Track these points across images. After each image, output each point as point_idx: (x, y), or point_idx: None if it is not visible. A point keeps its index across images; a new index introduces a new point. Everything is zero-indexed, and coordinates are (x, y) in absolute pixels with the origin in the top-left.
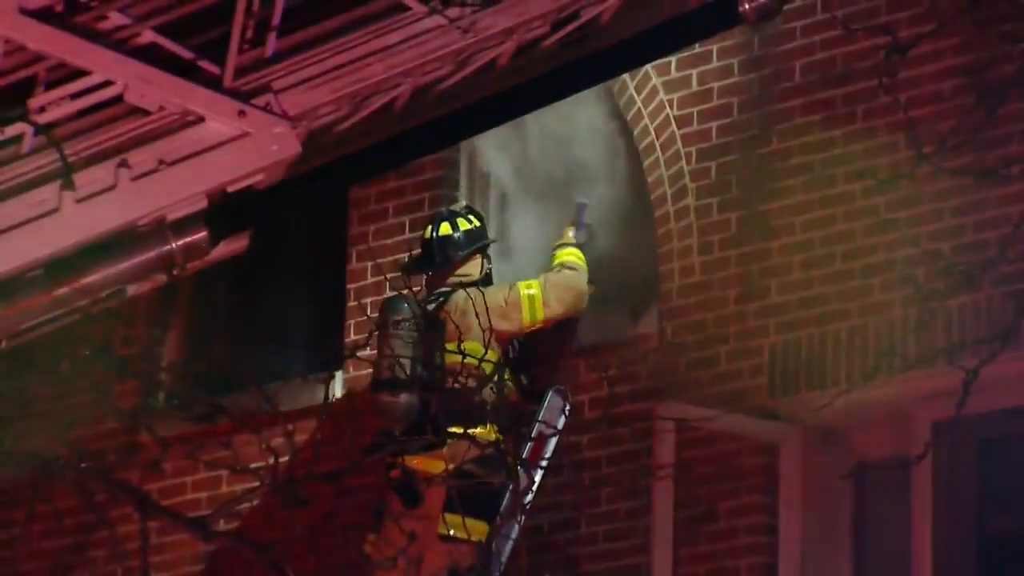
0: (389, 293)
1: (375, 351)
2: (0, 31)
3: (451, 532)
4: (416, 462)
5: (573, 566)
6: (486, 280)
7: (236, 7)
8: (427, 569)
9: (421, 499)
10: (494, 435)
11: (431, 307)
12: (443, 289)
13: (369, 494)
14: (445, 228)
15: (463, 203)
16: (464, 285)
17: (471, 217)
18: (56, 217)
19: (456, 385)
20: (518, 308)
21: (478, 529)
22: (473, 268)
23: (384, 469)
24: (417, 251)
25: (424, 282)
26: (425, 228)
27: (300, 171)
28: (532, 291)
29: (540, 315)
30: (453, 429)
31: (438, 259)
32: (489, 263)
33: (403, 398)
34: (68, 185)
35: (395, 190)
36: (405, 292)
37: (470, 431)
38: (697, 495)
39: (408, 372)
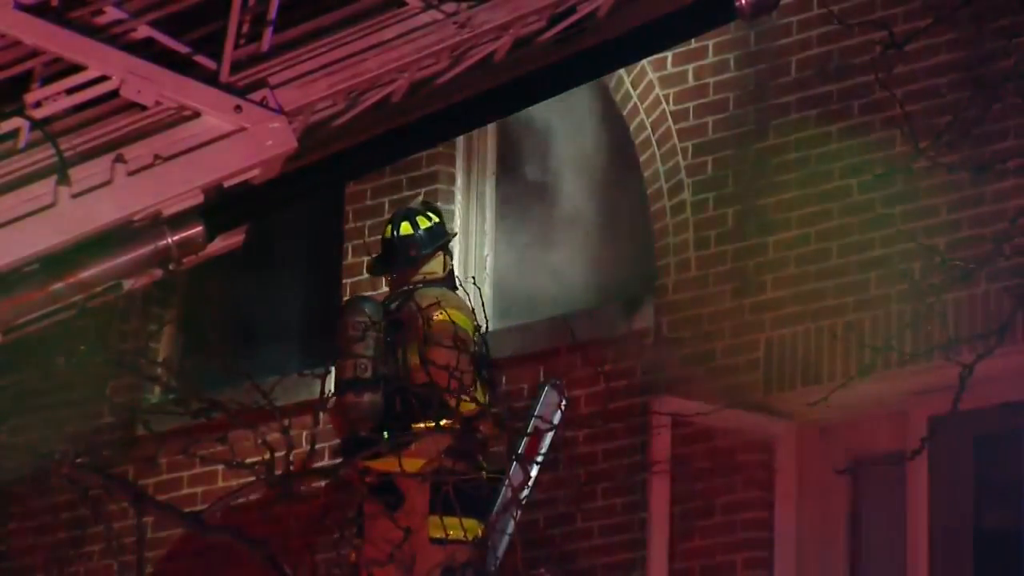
0: (385, 289)
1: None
2: None
3: (448, 534)
4: (389, 464)
5: (569, 561)
6: (450, 277)
7: (232, 2)
8: (420, 569)
9: (403, 499)
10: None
11: (393, 306)
12: (406, 288)
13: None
14: (406, 227)
15: (421, 199)
16: (428, 283)
17: (430, 214)
18: (52, 212)
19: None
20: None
21: (470, 526)
22: (436, 266)
23: (359, 475)
24: (379, 252)
25: (387, 282)
26: (385, 228)
27: (296, 166)
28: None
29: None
30: (419, 425)
31: (401, 259)
32: (451, 259)
33: (367, 398)
34: (64, 180)
35: (391, 185)
36: (367, 294)
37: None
38: (693, 490)
39: (371, 373)
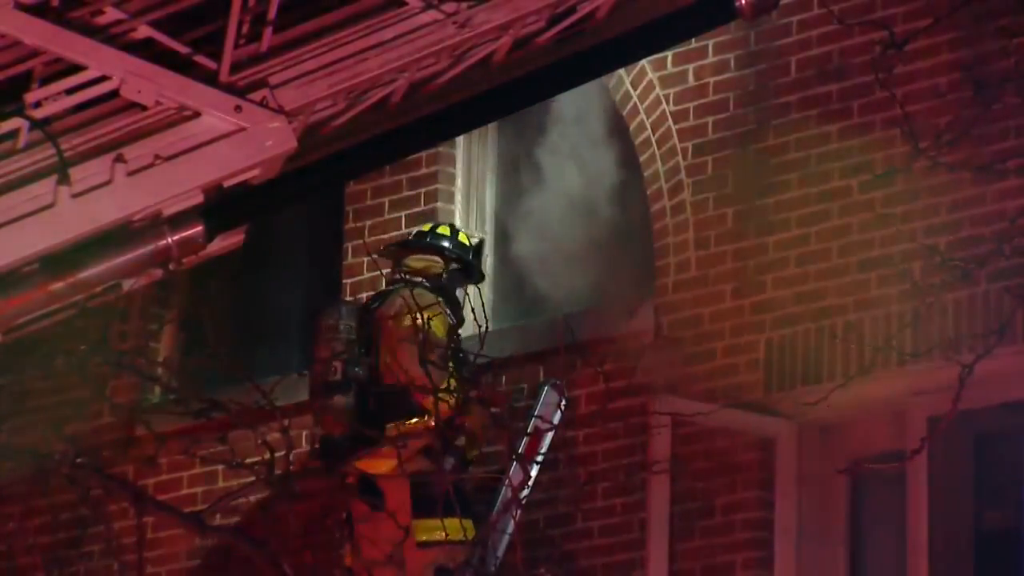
0: (384, 288)
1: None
2: None
3: (447, 535)
4: (365, 464)
5: (569, 561)
6: (443, 290)
7: (232, 2)
8: (409, 570)
9: (382, 498)
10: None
11: (374, 306)
12: (388, 288)
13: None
14: (444, 229)
15: (478, 235)
16: (409, 280)
17: (459, 232)
18: (52, 212)
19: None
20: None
21: (454, 527)
22: (418, 263)
23: (340, 478)
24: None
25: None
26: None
27: (296, 166)
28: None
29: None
30: (391, 425)
31: (411, 237)
32: (450, 270)
33: (336, 400)
34: (64, 180)
35: (391, 185)
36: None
37: (406, 423)
38: (693, 490)
39: (340, 375)
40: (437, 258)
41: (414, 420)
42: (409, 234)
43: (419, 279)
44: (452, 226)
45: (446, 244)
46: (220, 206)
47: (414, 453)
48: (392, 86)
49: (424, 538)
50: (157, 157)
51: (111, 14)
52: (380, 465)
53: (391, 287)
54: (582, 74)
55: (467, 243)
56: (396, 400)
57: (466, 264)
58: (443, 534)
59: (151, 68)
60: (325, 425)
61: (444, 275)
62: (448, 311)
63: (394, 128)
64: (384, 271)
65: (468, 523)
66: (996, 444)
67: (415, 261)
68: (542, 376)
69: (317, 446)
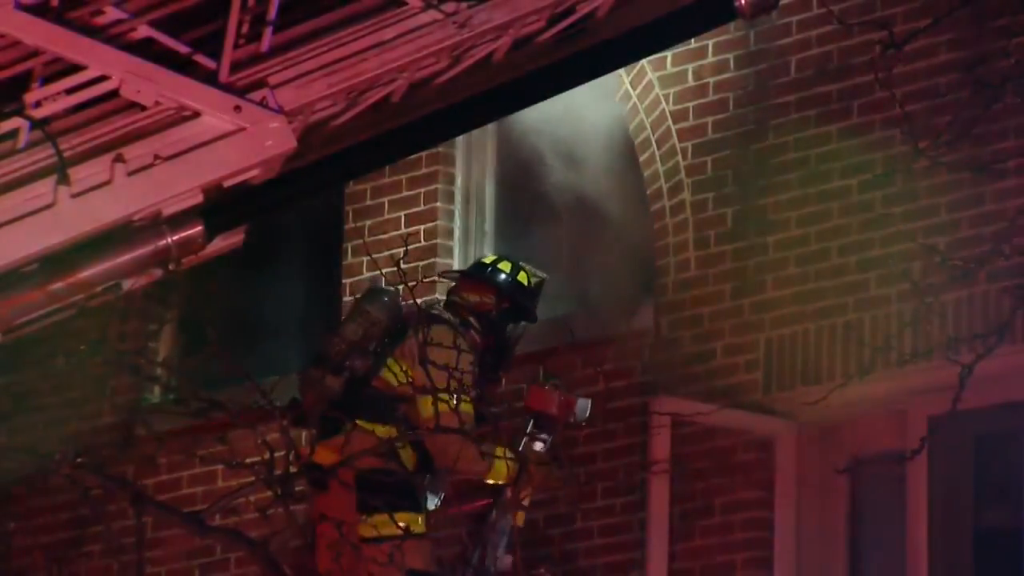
0: (434, 311)
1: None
2: None
3: (388, 530)
4: (316, 454)
5: (569, 561)
6: (493, 326)
7: (232, 2)
8: (358, 567)
9: (326, 483)
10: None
11: (412, 322)
12: (435, 313)
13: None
14: (505, 265)
15: (540, 275)
16: (456, 310)
17: (521, 271)
18: (52, 212)
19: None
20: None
21: (407, 521)
22: (472, 296)
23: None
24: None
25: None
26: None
27: (296, 166)
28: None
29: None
30: (359, 422)
31: (472, 268)
32: (496, 314)
33: (324, 377)
34: (64, 180)
35: (391, 185)
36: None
37: (367, 425)
38: (693, 490)
39: (342, 357)
40: (491, 294)
41: (378, 426)
42: (480, 264)
43: (464, 305)
44: (516, 263)
45: (503, 280)
46: (220, 206)
47: (361, 451)
48: (392, 86)
49: (368, 535)
50: (157, 157)
51: (111, 14)
52: (325, 455)
53: (438, 313)
54: (582, 74)
55: (525, 283)
56: (373, 402)
57: (516, 304)
58: (376, 532)
59: (151, 68)
60: (303, 390)
61: (494, 312)
62: (466, 348)
63: (394, 128)
64: (384, 270)
65: (413, 517)
66: (996, 444)
67: (470, 294)
68: (542, 376)
69: (314, 445)
